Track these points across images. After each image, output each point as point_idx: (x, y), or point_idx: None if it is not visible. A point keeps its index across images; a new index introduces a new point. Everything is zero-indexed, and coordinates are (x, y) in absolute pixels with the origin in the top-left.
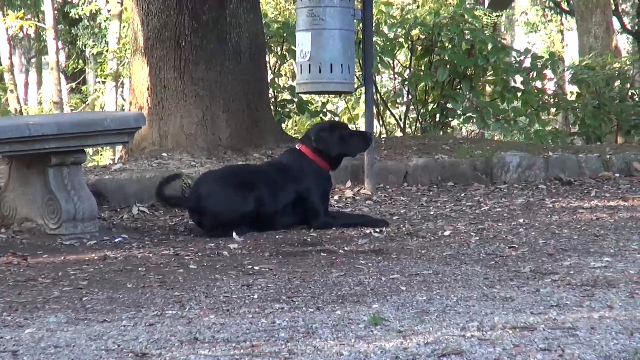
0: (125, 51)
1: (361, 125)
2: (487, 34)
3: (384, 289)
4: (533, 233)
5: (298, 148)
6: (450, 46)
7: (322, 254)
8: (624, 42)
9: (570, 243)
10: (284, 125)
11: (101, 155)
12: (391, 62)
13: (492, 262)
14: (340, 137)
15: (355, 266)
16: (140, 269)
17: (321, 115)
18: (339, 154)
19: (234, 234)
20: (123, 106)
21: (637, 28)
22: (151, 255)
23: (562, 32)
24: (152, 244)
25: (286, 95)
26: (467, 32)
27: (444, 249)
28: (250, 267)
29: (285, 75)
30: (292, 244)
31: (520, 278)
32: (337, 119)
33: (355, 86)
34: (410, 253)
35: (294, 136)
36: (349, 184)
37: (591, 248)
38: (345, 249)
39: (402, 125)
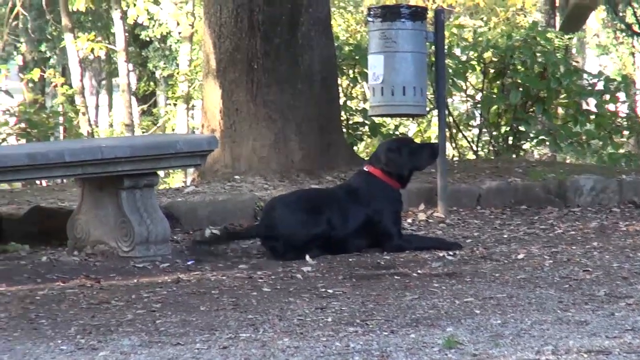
0: (196, 73)
1: None
2: (559, 56)
3: (458, 312)
4: (607, 256)
5: (367, 170)
6: (522, 69)
7: (396, 277)
8: None
9: None
10: (356, 148)
11: (172, 177)
12: (463, 84)
13: (566, 285)
14: (409, 153)
15: (428, 289)
16: (213, 292)
17: (393, 137)
18: (410, 170)
19: (307, 256)
20: (194, 128)
21: None
22: (224, 277)
23: (633, 54)
24: (224, 266)
25: (358, 118)
26: (539, 54)
27: (518, 272)
28: (323, 289)
29: (357, 97)
30: (365, 266)
31: (595, 301)
32: None
33: (428, 109)
34: (484, 276)
35: (365, 159)
36: (422, 206)
37: None
38: (419, 271)
39: (475, 148)
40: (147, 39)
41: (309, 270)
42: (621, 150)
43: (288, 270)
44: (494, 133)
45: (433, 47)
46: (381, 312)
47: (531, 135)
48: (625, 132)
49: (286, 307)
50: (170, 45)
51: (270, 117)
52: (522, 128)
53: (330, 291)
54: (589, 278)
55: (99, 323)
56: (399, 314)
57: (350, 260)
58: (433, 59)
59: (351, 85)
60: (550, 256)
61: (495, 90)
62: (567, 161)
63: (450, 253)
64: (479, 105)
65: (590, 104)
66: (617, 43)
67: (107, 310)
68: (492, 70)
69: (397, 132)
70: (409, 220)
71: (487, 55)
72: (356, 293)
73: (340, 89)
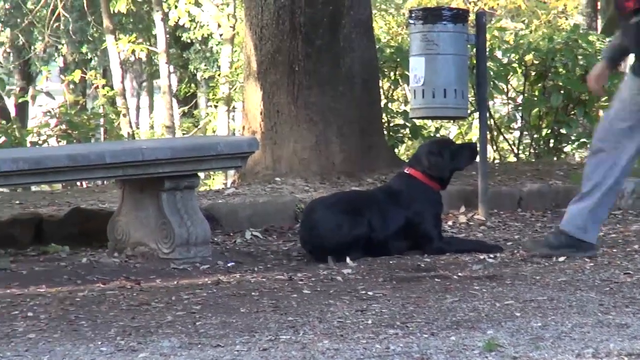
0: (237, 75)
1: None
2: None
3: (499, 314)
4: None
5: (407, 172)
6: (564, 71)
7: (436, 279)
8: None
9: None
10: (396, 150)
11: (213, 179)
12: (504, 87)
13: (607, 288)
14: (450, 155)
15: (469, 292)
16: (253, 294)
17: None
18: (451, 171)
19: (347, 259)
20: (235, 130)
21: None
22: (264, 279)
23: None
24: (265, 268)
25: (399, 120)
26: (580, 57)
27: (558, 274)
28: (363, 292)
29: (398, 100)
30: (405, 269)
31: (636, 304)
32: None
33: (469, 111)
34: (525, 279)
35: (406, 161)
36: (462, 209)
37: None
38: (459, 274)
39: (516, 151)
40: (189, 40)
41: (349, 273)
42: None
43: (328, 273)
44: (535, 136)
45: (474, 50)
46: (421, 315)
47: (572, 137)
48: None
49: (326, 309)
50: (212, 47)
51: (311, 119)
52: (563, 131)
53: (370, 293)
54: (630, 281)
55: (138, 325)
56: (439, 317)
57: (391, 262)
58: (474, 61)
59: (392, 87)
60: (591, 259)
61: (537, 93)
62: None
63: (491, 256)
64: (520, 108)
65: None
66: None
67: (147, 312)
68: (533, 73)
69: (437, 135)
70: (450, 223)
71: (529, 57)
72: (396, 295)
73: (381, 91)
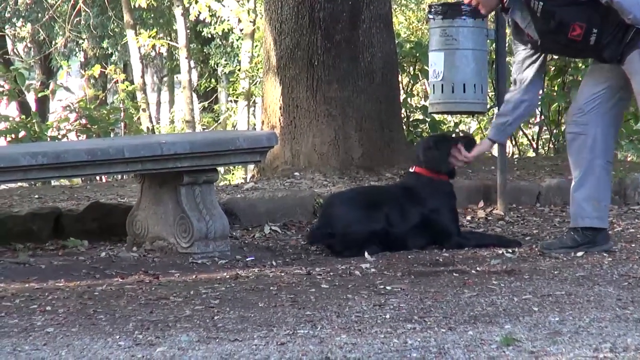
0: (257, 70)
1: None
2: None
3: (516, 309)
4: None
5: (413, 170)
6: (583, 66)
7: (454, 274)
8: None
9: None
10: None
11: (232, 174)
12: None
13: (625, 283)
14: (447, 148)
15: (487, 286)
16: (271, 288)
17: (454, 134)
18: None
19: (366, 253)
20: (255, 125)
21: None
22: (283, 274)
23: None
24: (283, 263)
25: (418, 115)
26: None
27: (577, 269)
28: (382, 286)
29: (418, 95)
30: (424, 263)
31: None
32: None
33: (488, 106)
34: (543, 273)
35: None
36: (481, 204)
37: None
38: (477, 269)
39: (535, 146)
40: (209, 35)
41: (367, 267)
42: None
43: (346, 267)
44: (555, 131)
45: (494, 45)
46: (439, 309)
47: None
48: None
49: (344, 303)
50: (232, 42)
51: (330, 113)
52: None
53: (388, 288)
54: None
55: (157, 319)
56: (456, 311)
57: (409, 257)
58: (494, 56)
59: (412, 82)
60: (609, 254)
61: (556, 88)
62: (628, 159)
63: (510, 250)
64: (539, 103)
65: None
66: None
67: (165, 306)
68: (552, 68)
69: (457, 130)
70: (468, 218)
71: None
72: (414, 290)
73: (400, 86)
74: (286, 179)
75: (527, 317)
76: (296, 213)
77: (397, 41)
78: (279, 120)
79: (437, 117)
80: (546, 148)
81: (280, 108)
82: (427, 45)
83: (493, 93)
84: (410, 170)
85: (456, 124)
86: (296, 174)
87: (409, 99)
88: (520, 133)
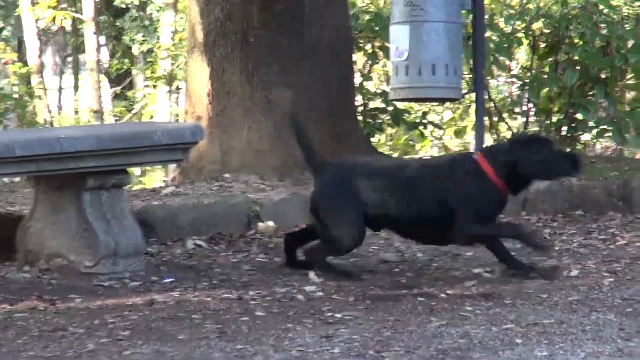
0: (181, 48)
1: (471, 141)
2: (628, 28)
3: (495, 341)
4: None
5: (475, 157)
6: (581, 43)
7: (419, 298)
8: None
9: None
10: (374, 139)
11: (150, 175)
12: (507, 62)
13: (629, 308)
14: (543, 155)
15: (459, 313)
16: (194, 316)
17: (421, 127)
18: (534, 177)
19: (311, 273)
20: (177, 116)
21: None
22: (209, 299)
23: None
24: (209, 285)
25: (378, 103)
26: (601, 25)
27: (570, 292)
28: (330, 314)
29: (378, 78)
30: (382, 285)
31: None
32: (441, 132)
33: (463, 91)
34: (528, 297)
35: (387, 153)
36: None
37: None
38: (448, 292)
39: None
40: (123, 6)
41: (313, 290)
42: None
43: (287, 291)
44: (546, 122)
45: (471, 17)
46: (400, 342)
47: (590, 124)
48: None
49: (283, 335)
50: (151, 14)
51: (270, 101)
52: (579, 116)
53: (338, 316)
54: None
55: (52, 355)
56: (422, 344)
57: (364, 278)
58: (470, 30)
59: (370, 63)
60: (611, 273)
61: (547, 70)
62: (637, 157)
63: (488, 269)
64: (526, 88)
65: None
66: None
67: (63, 339)
68: (542, 45)
69: (424, 121)
70: None
71: (537, 26)
72: (370, 318)
73: (355, 67)
74: (214, 182)
75: (508, 352)
76: (226, 224)
77: (351, 12)
78: (207, 109)
79: (400, 105)
80: None
81: (208, 95)
82: (388, 17)
83: (470, 76)
84: (472, 155)
85: (424, 114)
86: (227, 175)
87: (365, 83)
88: (503, 124)
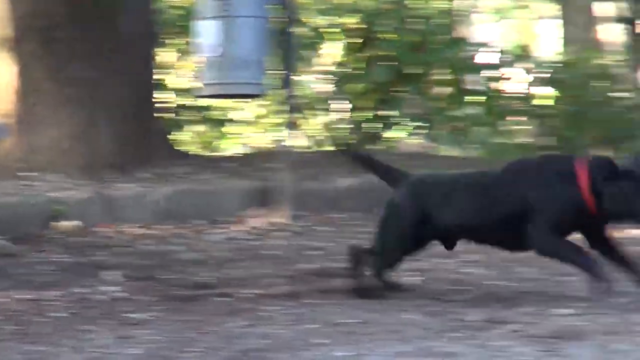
0: None
1: (279, 138)
2: (443, 22)
3: (298, 341)
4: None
5: (573, 166)
6: (391, 38)
7: (223, 299)
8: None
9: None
10: (178, 137)
11: None
12: (315, 57)
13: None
14: None
15: (263, 314)
16: None
17: (226, 124)
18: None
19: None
20: None
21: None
22: (8, 300)
23: (541, 18)
24: (10, 285)
25: (184, 100)
26: (411, 20)
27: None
28: (132, 315)
29: (185, 75)
30: (186, 285)
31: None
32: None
33: (269, 88)
34: (333, 297)
35: (191, 151)
36: (258, 210)
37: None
38: (253, 292)
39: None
40: None
41: (113, 291)
42: (516, 140)
43: (87, 292)
44: (355, 119)
45: (281, 12)
46: (202, 342)
47: (393, 120)
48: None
49: (83, 336)
50: None
51: (77, 99)
52: (390, 112)
53: (140, 316)
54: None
55: None
56: (225, 345)
57: (168, 278)
58: (282, 26)
59: (176, 59)
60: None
61: (360, 65)
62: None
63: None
64: (338, 84)
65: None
66: (516, 6)
67: None
68: (352, 42)
69: (228, 117)
70: (240, 228)
71: (349, 20)
72: (173, 319)
73: (161, 64)
74: (20, 181)
75: (313, 351)
76: (29, 223)
77: (158, 7)
78: (13, 106)
79: (205, 102)
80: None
81: (14, 92)
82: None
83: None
84: (573, 163)
85: (227, 110)
86: (33, 174)
87: (175, 80)
88: (313, 121)
